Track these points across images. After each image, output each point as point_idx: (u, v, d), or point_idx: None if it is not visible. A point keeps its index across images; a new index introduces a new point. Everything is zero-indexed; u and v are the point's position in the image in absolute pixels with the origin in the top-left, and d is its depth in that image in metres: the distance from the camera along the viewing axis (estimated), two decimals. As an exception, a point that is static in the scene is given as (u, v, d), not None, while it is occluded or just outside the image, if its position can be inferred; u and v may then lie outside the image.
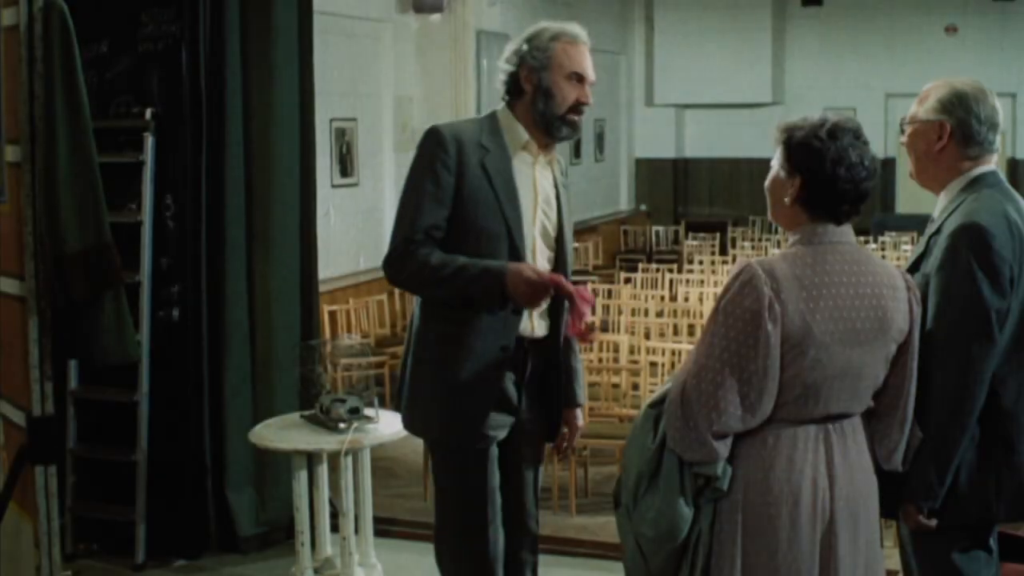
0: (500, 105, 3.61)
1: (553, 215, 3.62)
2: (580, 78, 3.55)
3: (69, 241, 4.26)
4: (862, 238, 14.71)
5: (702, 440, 2.79)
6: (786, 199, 2.89)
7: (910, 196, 17.17)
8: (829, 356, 2.80)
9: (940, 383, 3.01)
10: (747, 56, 17.98)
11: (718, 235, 15.98)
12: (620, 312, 9.48)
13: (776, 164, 2.94)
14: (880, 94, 17.69)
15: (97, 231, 4.37)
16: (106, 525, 5.61)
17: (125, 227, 5.35)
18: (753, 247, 14.89)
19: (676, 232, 17.29)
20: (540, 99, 3.51)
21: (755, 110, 17.48)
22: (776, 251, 3.19)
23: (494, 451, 3.60)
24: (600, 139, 17.97)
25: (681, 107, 19.07)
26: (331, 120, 10.38)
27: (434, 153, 3.46)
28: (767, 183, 2.97)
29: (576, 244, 15.15)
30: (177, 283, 5.55)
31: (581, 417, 3.89)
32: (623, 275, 11.92)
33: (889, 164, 17.46)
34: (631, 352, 8.08)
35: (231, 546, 5.62)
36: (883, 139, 17.06)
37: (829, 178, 2.84)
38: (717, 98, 18.04)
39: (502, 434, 3.60)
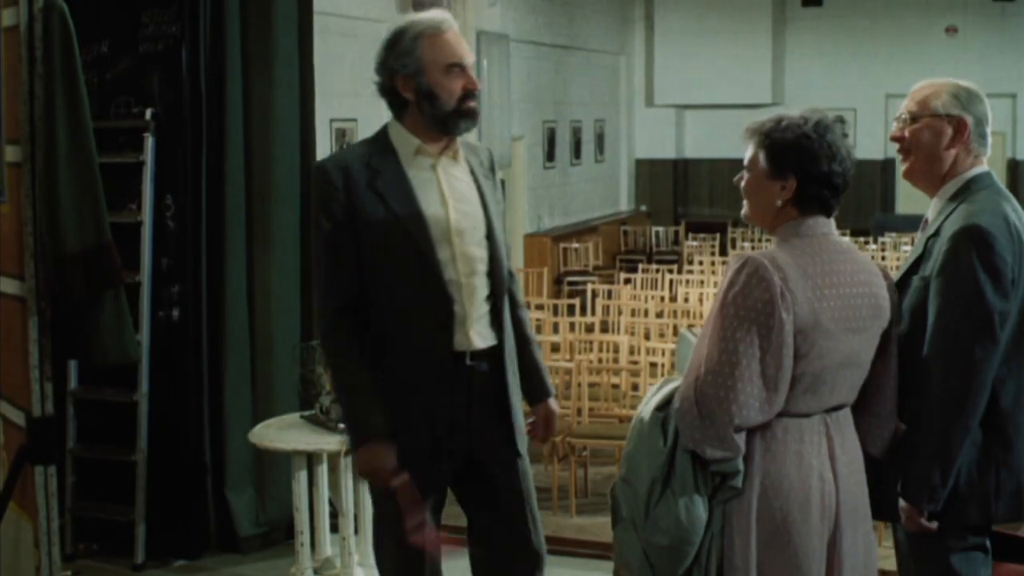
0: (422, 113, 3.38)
1: (475, 210, 3.37)
2: (459, 66, 3.31)
3: (69, 241, 4.26)
4: (862, 238, 14.73)
5: (722, 436, 2.75)
6: (778, 201, 2.86)
7: (910, 196, 17.17)
8: (835, 345, 2.80)
9: (943, 385, 3.01)
10: (747, 56, 18.01)
11: (718, 236, 16.00)
12: (620, 312, 9.48)
13: (756, 166, 2.89)
14: (880, 94, 17.71)
15: (97, 231, 4.37)
16: (106, 525, 5.61)
17: (125, 227, 5.35)
18: (753, 247, 14.90)
19: (676, 233, 17.31)
20: (425, 103, 3.30)
21: (755, 110, 17.46)
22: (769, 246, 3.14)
23: (442, 483, 3.40)
24: (600, 139, 17.99)
25: (681, 107, 19.09)
26: (331, 120, 10.39)
27: (324, 193, 3.30)
28: (745, 186, 2.93)
29: (576, 244, 15.19)
30: (177, 283, 5.55)
31: (554, 405, 3.69)
32: (623, 275, 11.93)
33: (889, 164, 17.48)
34: (631, 352, 8.09)
35: (231, 546, 5.62)
36: (883, 139, 17.06)
37: (825, 175, 2.84)
38: (717, 98, 18.06)
39: (449, 464, 3.36)
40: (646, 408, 2.94)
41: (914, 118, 3.21)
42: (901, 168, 3.32)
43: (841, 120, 2.95)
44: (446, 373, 3.30)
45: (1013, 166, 17.72)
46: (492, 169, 3.52)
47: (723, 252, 15.10)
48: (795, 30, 18.80)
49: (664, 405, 2.89)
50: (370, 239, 3.27)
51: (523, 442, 3.48)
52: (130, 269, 5.27)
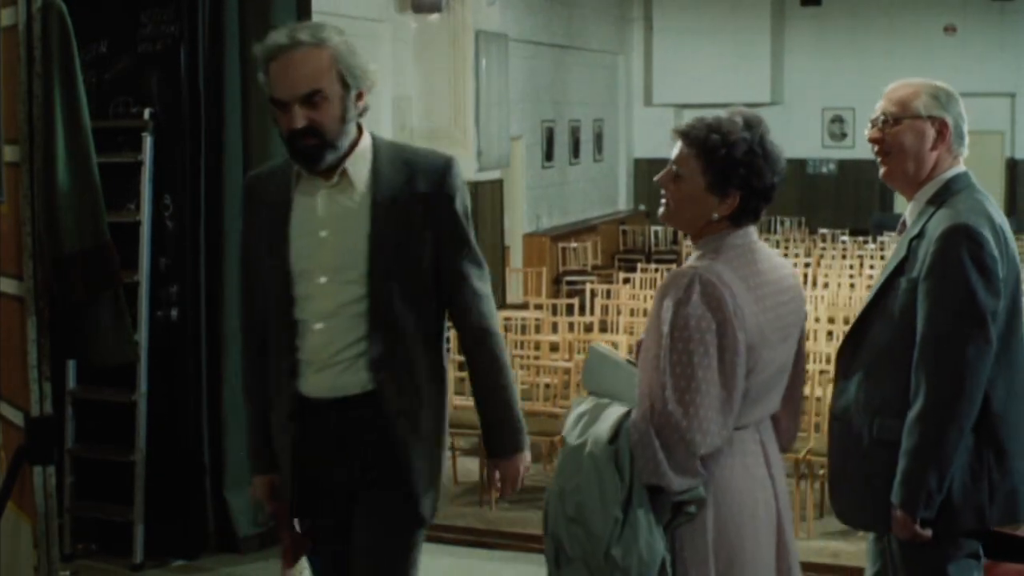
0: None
1: (356, 244, 2.95)
2: (280, 103, 2.91)
3: (68, 241, 4.26)
4: (860, 238, 14.73)
5: (684, 466, 2.62)
6: (715, 214, 2.73)
7: (909, 196, 17.20)
8: (774, 356, 2.74)
9: (936, 387, 2.98)
10: (746, 56, 18.01)
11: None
12: (619, 312, 9.48)
13: (693, 176, 2.73)
14: (879, 94, 17.58)
15: (95, 231, 4.38)
16: (104, 525, 5.60)
17: (124, 227, 5.35)
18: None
19: (675, 232, 17.28)
20: None
21: (754, 110, 17.49)
22: (696, 258, 2.96)
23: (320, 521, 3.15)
24: (599, 139, 17.99)
25: (680, 107, 19.08)
26: (330, 120, 10.38)
27: (242, 211, 3.18)
28: (677, 194, 2.77)
29: (575, 244, 15.17)
30: (175, 283, 5.55)
31: (516, 466, 3.15)
32: (622, 275, 11.94)
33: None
34: (629, 352, 8.07)
35: (229, 546, 5.61)
36: (882, 139, 17.06)
37: (768, 189, 2.74)
38: (715, 98, 18.00)
39: (322, 507, 3.11)
40: (592, 439, 2.73)
41: (896, 120, 3.18)
42: (880, 170, 3.25)
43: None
44: (295, 416, 3.04)
45: (1012, 165, 17.69)
46: (436, 189, 3.00)
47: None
48: (794, 29, 18.80)
49: (614, 438, 2.70)
50: (260, 259, 3.08)
51: (418, 505, 3.05)
52: (128, 269, 5.26)
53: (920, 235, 3.11)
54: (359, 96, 2.95)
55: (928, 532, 3.03)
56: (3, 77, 4.23)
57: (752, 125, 2.74)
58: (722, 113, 2.77)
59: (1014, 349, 3.11)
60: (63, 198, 4.24)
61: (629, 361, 2.91)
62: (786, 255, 13.65)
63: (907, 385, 3.04)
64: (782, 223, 17.24)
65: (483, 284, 3.08)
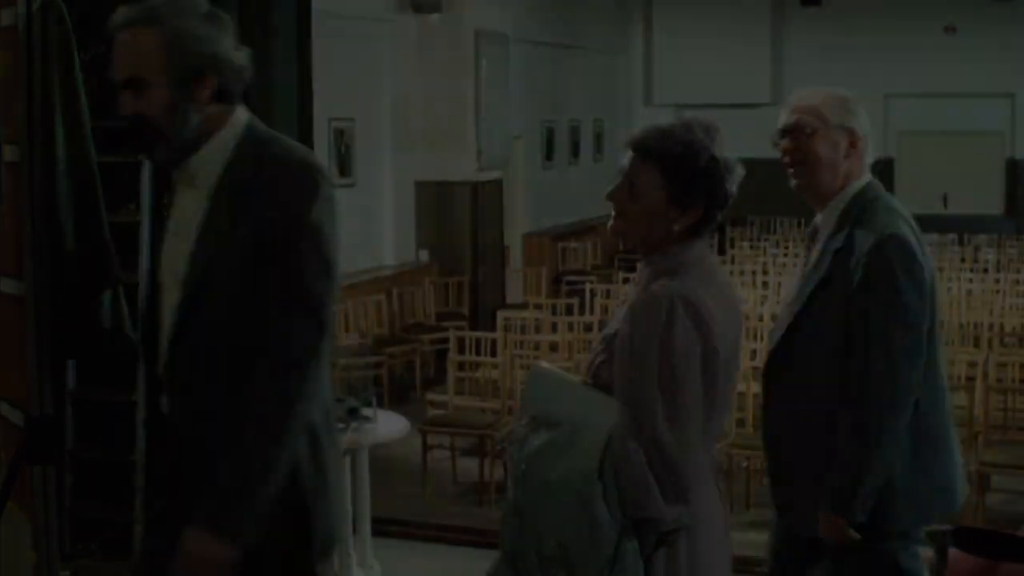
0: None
1: (185, 248, 2.57)
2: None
3: (67, 241, 4.26)
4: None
5: (677, 496, 2.50)
6: (676, 227, 2.61)
7: (907, 196, 17.15)
8: (734, 370, 2.69)
9: (873, 397, 3.02)
10: (746, 56, 18.02)
11: (716, 235, 15.98)
12: (619, 312, 9.46)
13: (652, 189, 2.60)
14: (879, 94, 17.71)
15: (95, 231, 4.37)
16: (104, 525, 5.60)
17: (124, 227, 5.34)
18: (751, 247, 14.90)
19: (675, 232, 17.29)
20: None
21: (753, 110, 17.51)
22: (652, 274, 2.72)
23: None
24: (599, 139, 17.99)
25: (680, 107, 19.08)
26: (330, 120, 10.38)
27: None
28: (634, 208, 2.63)
29: (575, 244, 15.16)
30: (175, 283, 5.55)
31: (199, 551, 2.44)
32: (622, 275, 11.93)
33: (887, 164, 17.48)
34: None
35: (229, 546, 5.61)
36: (882, 139, 17.07)
37: (727, 197, 2.63)
38: (715, 98, 18.05)
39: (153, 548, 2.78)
40: (575, 473, 2.52)
41: (812, 130, 3.15)
42: (792, 181, 3.23)
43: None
44: (149, 424, 2.82)
45: (1012, 166, 17.69)
46: (270, 200, 2.57)
47: (721, 252, 15.08)
48: (794, 30, 18.80)
49: (601, 471, 2.51)
50: None
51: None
52: (129, 269, 5.26)
53: (847, 248, 3.10)
54: (202, 82, 2.57)
55: (857, 535, 3.06)
56: (3, 77, 4.23)
57: (711, 133, 2.60)
58: (674, 120, 2.65)
59: (934, 345, 3.15)
60: (63, 198, 4.24)
61: (583, 382, 2.73)
62: (786, 255, 13.64)
63: (841, 396, 3.06)
64: (782, 223, 17.22)
65: (295, 322, 2.48)
